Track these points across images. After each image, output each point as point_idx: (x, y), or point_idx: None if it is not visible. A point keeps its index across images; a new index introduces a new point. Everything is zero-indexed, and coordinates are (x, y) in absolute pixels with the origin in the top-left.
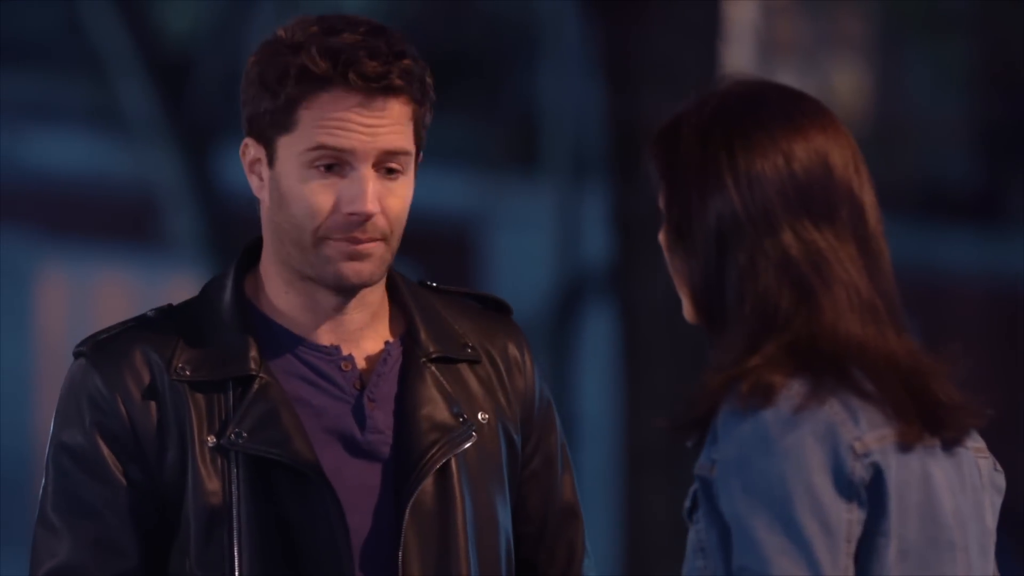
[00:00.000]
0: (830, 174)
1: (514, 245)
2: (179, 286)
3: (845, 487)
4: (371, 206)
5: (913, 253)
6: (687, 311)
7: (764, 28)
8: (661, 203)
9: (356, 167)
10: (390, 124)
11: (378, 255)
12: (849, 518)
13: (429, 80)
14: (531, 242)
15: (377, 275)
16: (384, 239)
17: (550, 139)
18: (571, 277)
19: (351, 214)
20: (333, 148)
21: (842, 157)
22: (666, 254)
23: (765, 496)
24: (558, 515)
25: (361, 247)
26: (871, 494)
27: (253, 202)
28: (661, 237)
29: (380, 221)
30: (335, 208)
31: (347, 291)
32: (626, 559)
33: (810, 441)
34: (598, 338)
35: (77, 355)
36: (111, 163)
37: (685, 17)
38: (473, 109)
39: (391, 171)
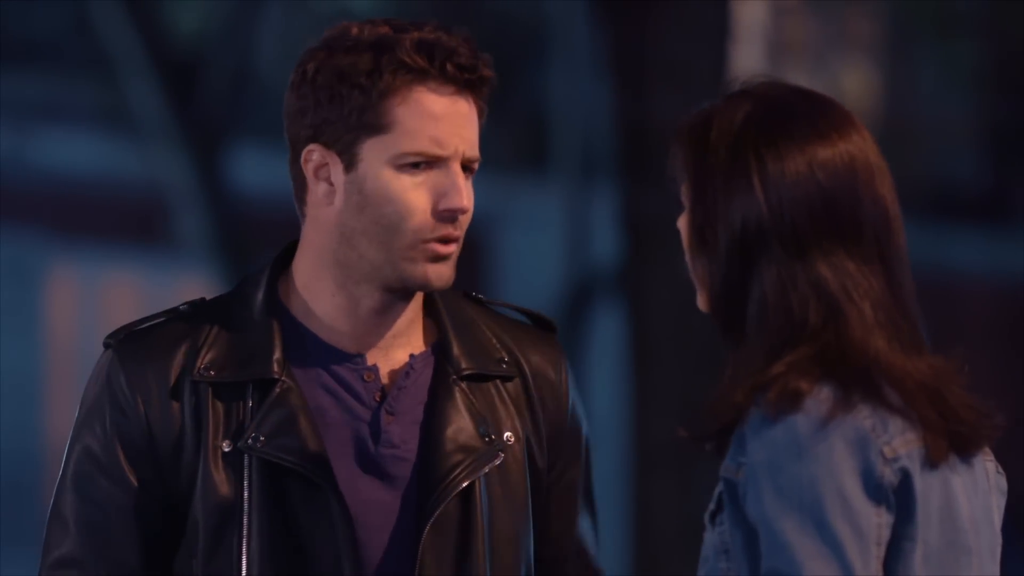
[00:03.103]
0: (856, 186)
1: (524, 245)
2: (187, 287)
3: (875, 492)
4: (466, 202)
5: (922, 252)
6: (701, 303)
7: (773, 29)
8: (684, 200)
9: (448, 164)
10: (473, 123)
11: (454, 258)
12: (879, 522)
13: None
14: (540, 242)
15: (452, 278)
16: (460, 240)
17: (559, 139)
18: (580, 277)
19: (446, 210)
20: (431, 155)
21: (867, 168)
22: (687, 252)
23: (796, 499)
24: (576, 544)
25: (447, 249)
26: (899, 499)
27: (262, 203)
28: (683, 231)
29: (463, 218)
30: (431, 205)
31: (411, 294)
32: (635, 559)
33: (841, 446)
34: (607, 338)
35: (107, 346)
36: (120, 163)
37: (694, 18)
38: None
39: (466, 172)
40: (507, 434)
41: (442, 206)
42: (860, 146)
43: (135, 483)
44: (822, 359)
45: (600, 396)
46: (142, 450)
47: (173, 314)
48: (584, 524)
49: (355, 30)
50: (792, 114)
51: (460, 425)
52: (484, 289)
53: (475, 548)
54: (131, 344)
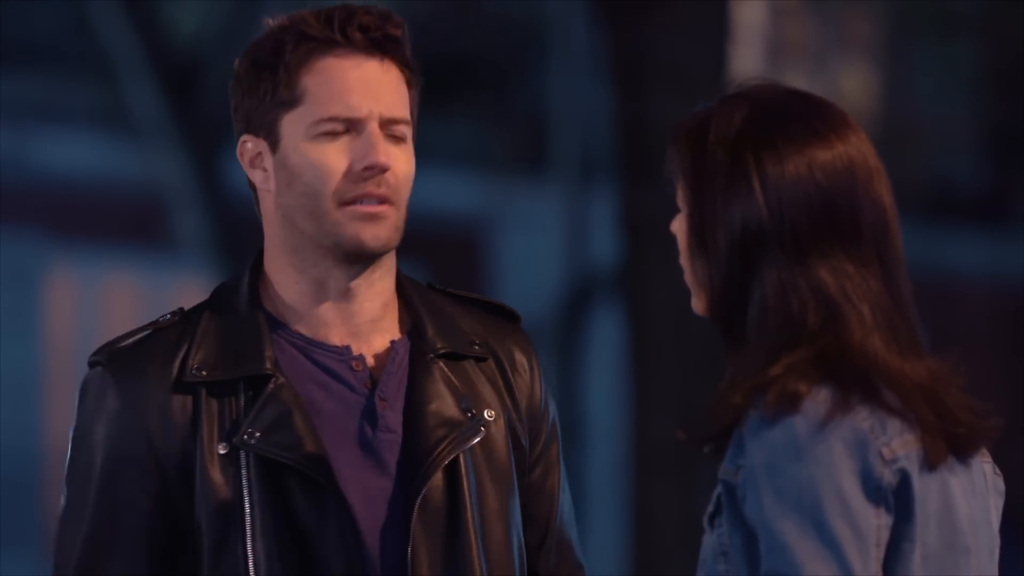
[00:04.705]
0: (855, 187)
1: (522, 247)
2: (187, 288)
3: (874, 493)
4: (383, 158)
5: (920, 254)
6: (697, 306)
7: (772, 30)
8: (680, 202)
9: (365, 127)
10: (390, 86)
11: (391, 220)
12: (878, 523)
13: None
14: (539, 244)
15: (393, 240)
16: (393, 202)
17: (558, 140)
18: (579, 279)
19: (366, 168)
20: (344, 118)
21: (865, 169)
22: (684, 255)
23: (795, 501)
24: (558, 533)
25: (375, 209)
26: (898, 500)
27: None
28: (679, 235)
29: (390, 178)
30: (349, 167)
31: (362, 262)
32: (634, 560)
33: (840, 447)
34: (606, 340)
35: (93, 364)
36: (119, 165)
37: (693, 19)
38: (481, 110)
39: (394, 137)
40: (487, 411)
41: (359, 166)
42: (858, 147)
43: (140, 498)
44: (821, 361)
45: (599, 397)
46: (144, 463)
47: (155, 326)
48: (566, 509)
49: (271, 21)
50: (790, 116)
51: (442, 400)
52: (483, 290)
53: (464, 525)
54: (121, 359)
